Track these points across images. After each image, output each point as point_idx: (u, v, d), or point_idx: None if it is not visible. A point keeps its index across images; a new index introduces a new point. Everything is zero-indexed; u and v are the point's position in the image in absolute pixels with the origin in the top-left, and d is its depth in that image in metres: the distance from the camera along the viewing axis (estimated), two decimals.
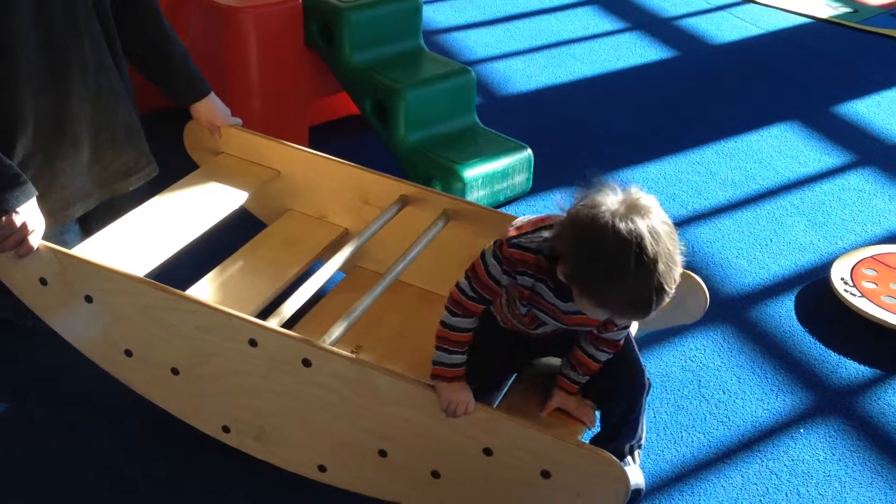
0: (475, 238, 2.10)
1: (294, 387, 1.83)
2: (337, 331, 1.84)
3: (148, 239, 2.11)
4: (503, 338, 1.87)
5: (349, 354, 1.78)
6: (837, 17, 4.43)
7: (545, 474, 1.72)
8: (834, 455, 2.13)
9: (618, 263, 1.50)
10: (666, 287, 1.52)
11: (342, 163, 2.34)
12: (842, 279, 2.59)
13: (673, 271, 1.53)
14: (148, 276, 1.96)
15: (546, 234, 1.65)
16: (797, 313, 2.55)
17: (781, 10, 4.50)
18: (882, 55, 4.10)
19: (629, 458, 1.91)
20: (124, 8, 2.22)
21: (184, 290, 1.97)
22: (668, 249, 1.52)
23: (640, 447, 1.95)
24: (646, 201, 1.54)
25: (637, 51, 4.07)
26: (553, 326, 1.78)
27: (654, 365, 2.34)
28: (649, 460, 2.08)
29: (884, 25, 4.36)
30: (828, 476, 2.08)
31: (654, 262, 1.50)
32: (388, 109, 2.90)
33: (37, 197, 1.99)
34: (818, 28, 4.33)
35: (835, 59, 4.04)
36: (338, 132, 3.26)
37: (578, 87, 3.75)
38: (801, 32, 4.28)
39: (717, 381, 2.32)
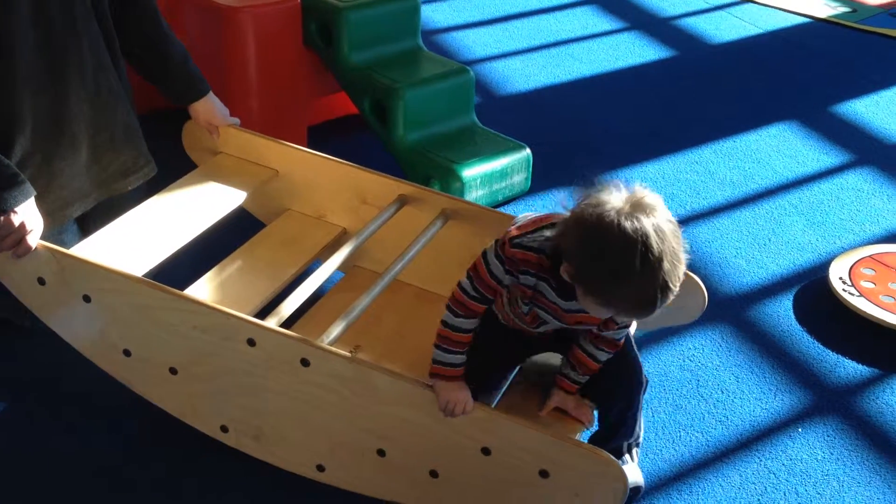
0: (474, 238, 2.11)
1: (292, 386, 1.83)
2: (335, 330, 1.84)
3: (146, 239, 2.10)
4: (504, 336, 1.87)
5: (347, 354, 1.78)
6: (836, 16, 4.43)
7: (543, 474, 1.72)
8: (832, 454, 2.13)
9: (623, 263, 1.50)
10: (671, 285, 1.52)
11: (341, 162, 2.34)
12: (840, 279, 2.59)
13: (678, 269, 1.53)
14: (146, 275, 1.96)
15: (548, 233, 1.65)
16: (795, 313, 2.55)
17: (780, 9, 4.50)
18: (881, 55, 4.10)
19: (627, 456, 1.91)
20: (123, 8, 2.22)
21: (182, 289, 1.97)
22: (673, 248, 1.52)
23: (638, 445, 1.95)
24: (650, 199, 1.54)
25: (636, 50, 4.07)
26: (554, 325, 1.78)
27: (653, 364, 2.34)
28: (648, 460, 2.08)
29: (882, 25, 4.36)
30: (826, 475, 2.08)
31: (660, 260, 1.50)
32: (387, 109, 2.90)
33: (35, 197, 1.99)
34: (817, 28, 4.33)
35: (833, 59, 4.04)
36: (336, 132, 3.26)
37: (577, 87, 3.75)
38: (800, 32, 4.28)
39: (716, 381, 2.32)
